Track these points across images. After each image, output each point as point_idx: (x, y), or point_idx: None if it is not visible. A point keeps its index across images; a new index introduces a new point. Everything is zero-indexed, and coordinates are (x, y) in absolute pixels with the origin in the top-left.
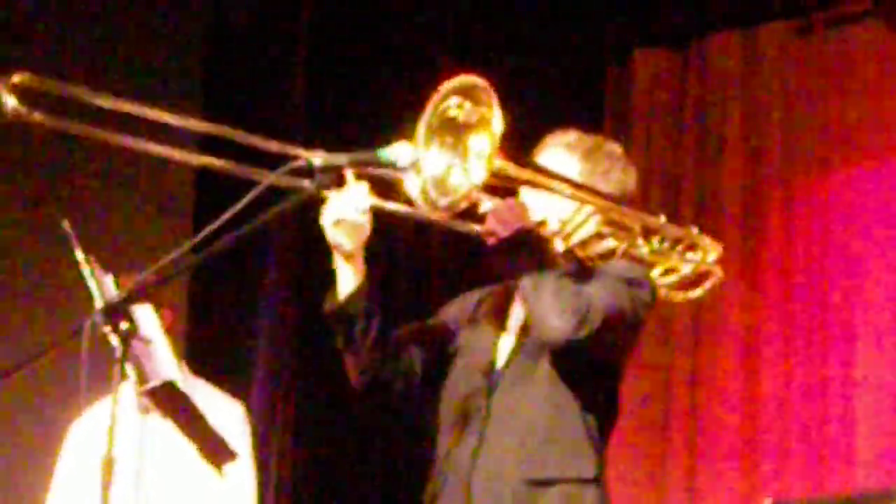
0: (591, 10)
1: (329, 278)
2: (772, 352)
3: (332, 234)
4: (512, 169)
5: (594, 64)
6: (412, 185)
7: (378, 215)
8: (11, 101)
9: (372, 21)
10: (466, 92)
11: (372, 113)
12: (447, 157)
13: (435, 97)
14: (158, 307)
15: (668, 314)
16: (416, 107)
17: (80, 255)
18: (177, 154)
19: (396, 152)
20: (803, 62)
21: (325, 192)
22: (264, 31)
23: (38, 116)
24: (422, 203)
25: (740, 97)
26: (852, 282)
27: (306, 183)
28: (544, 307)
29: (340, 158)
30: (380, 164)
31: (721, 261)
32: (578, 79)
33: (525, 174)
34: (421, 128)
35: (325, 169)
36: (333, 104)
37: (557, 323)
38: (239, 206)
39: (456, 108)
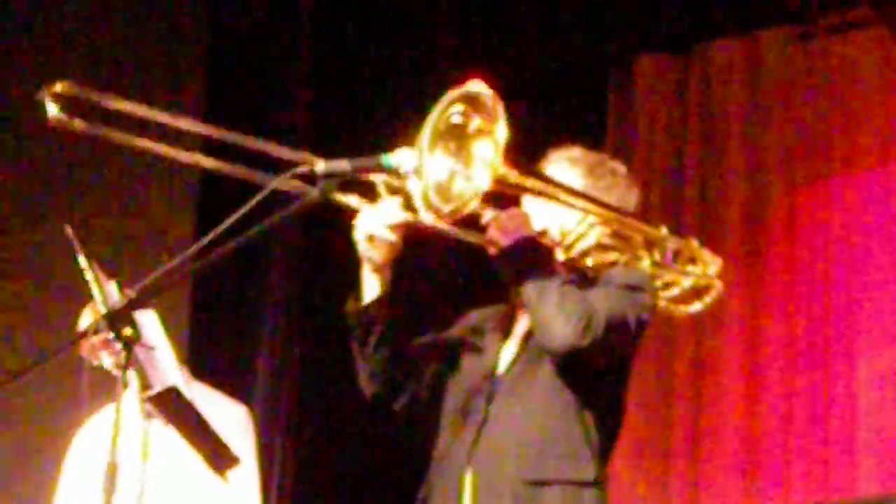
0: (594, 16)
1: (333, 280)
2: (774, 361)
3: (364, 249)
4: (515, 177)
5: (597, 70)
6: (415, 192)
7: None
8: (54, 109)
9: (375, 27)
10: (472, 100)
11: (376, 118)
12: (451, 164)
13: (440, 104)
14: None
15: (669, 320)
16: (420, 112)
17: (83, 261)
18: (203, 161)
19: (400, 158)
20: (805, 68)
21: (349, 203)
22: (268, 35)
23: (78, 124)
24: (425, 210)
25: (742, 103)
26: (855, 289)
27: (310, 188)
28: (548, 314)
29: (344, 164)
30: (383, 170)
31: (722, 272)
32: (581, 85)
33: (528, 182)
34: (425, 133)
35: (329, 175)
36: (338, 108)
37: (561, 330)
38: (242, 211)
39: (461, 115)
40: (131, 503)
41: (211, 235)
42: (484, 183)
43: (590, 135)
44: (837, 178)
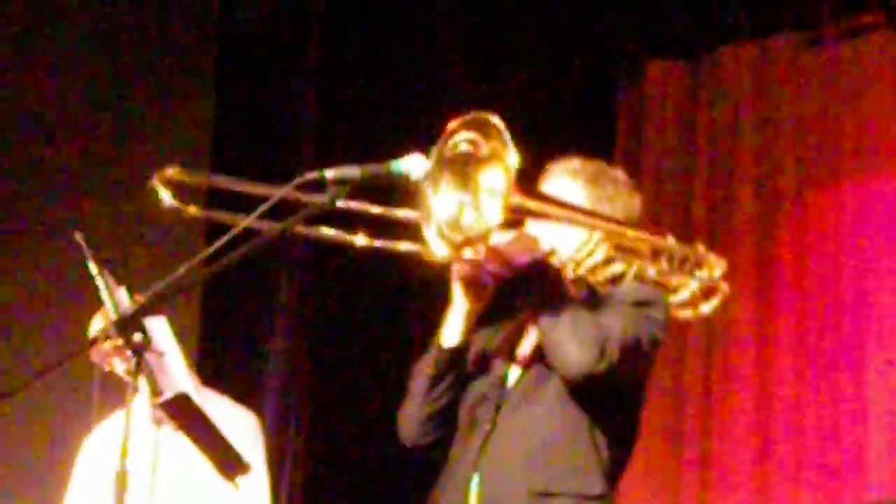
0: (603, 22)
1: (342, 286)
2: (785, 365)
3: (461, 292)
4: (525, 203)
5: (606, 77)
6: (429, 228)
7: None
8: (167, 197)
9: (381, 34)
10: (478, 127)
11: (381, 126)
12: (459, 194)
13: (445, 133)
14: None
15: (680, 328)
16: (427, 121)
17: (93, 267)
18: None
19: (409, 164)
20: (815, 73)
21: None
22: (275, 40)
23: (193, 210)
24: (436, 241)
25: (752, 108)
26: (865, 294)
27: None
28: (563, 341)
29: (353, 171)
30: (392, 177)
31: (728, 276)
32: (591, 91)
33: (535, 206)
34: (430, 166)
35: (338, 182)
36: (342, 115)
37: (577, 358)
38: (251, 217)
39: (467, 143)
40: None
41: (221, 242)
42: (496, 214)
43: (599, 141)
44: (847, 183)
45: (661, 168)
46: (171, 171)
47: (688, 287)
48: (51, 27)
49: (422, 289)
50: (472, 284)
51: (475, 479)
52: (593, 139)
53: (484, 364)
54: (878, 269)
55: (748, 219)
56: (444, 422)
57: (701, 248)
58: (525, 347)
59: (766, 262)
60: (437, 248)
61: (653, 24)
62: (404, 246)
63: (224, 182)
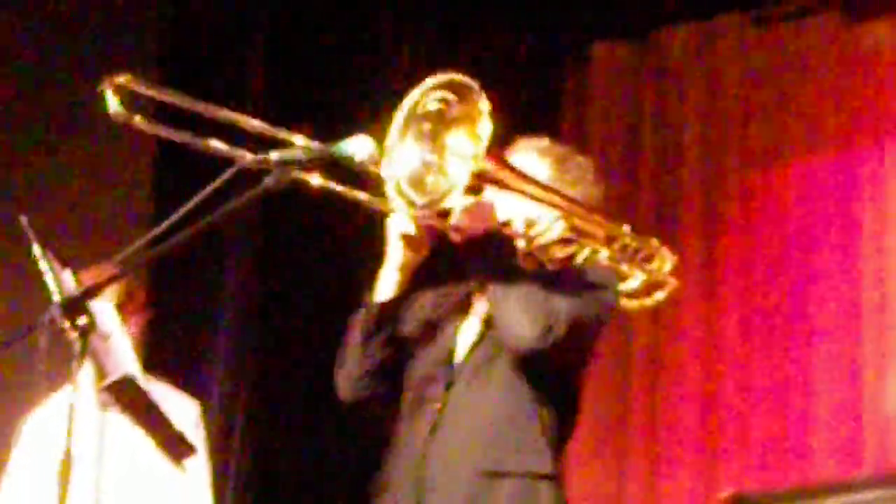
0: (549, 3)
1: (289, 270)
2: (731, 347)
3: (394, 247)
4: (492, 170)
5: (552, 57)
6: (388, 181)
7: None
8: (115, 104)
9: (332, 7)
10: (453, 88)
11: (334, 98)
12: (425, 153)
13: (419, 87)
14: (131, 313)
15: (627, 313)
16: (375, 95)
17: (37, 249)
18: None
19: (354, 146)
20: (760, 53)
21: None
22: (224, 16)
23: (139, 121)
24: (397, 200)
25: (698, 89)
26: (811, 275)
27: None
28: (511, 314)
29: (296, 153)
30: (337, 159)
31: (676, 267)
32: (536, 72)
33: (502, 175)
34: (399, 117)
35: (281, 163)
36: (293, 93)
37: (523, 331)
38: (197, 198)
39: (440, 102)
40: (87, 494)
41: (166, 224)
42: (463, 177)
43: (544, 122)
44: (793, 164)
45: (607, 149)
46: (122, 78)
47: (637, 277)
48: None
49: (374, 268)
50: (411, 238)
51: (427, 461)
52: (538, 121)
53: (429, 332)
54: (824, 245)
55: (694, 198)
56: (381, 378)
57: (655, 241)
58: (472, 317)
59: (711, 241)
60: (395, 205)
61: (598, 5)
62: (361, 195)
63: (176, 97)
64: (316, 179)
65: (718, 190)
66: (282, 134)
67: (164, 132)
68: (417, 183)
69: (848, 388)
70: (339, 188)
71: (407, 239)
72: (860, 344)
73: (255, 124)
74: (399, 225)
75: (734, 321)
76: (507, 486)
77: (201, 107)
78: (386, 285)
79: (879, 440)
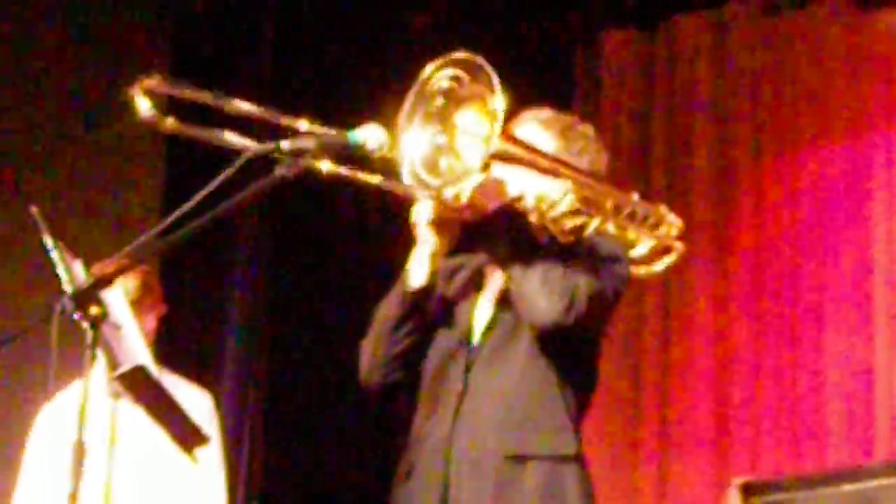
0: None
1: (300, 261)
2: (742, 333)
3: (424, 233)
4: (506, 148)
5: (563, 45)
6: (403, 165)
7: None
8: (146, 107)
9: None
10: (465, 66)
11: (341, 87)
12: (437, 135)
13: (430, 66)
14: (150, 306)
15: (639, 298)
16: (385, 81)
17: (48, 240)
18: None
19: (366, 134)
20: (771, 41)
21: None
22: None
23: (171, 123)
24: (411, 182)
25: (709, 77)
26: (822, 261)
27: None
28: (532, 290)
29: (308, 142)
30: (349, 147)
31: (684, 236)
32: (547, 60)
33: (514, 151)
34: (410, 97)
35: (293, 153)
36: (301, 82)
37: (546, 307)
38: (207, 189)
39: (450, 80)
40: (99, 484)
41: (176, 215)
42: (477, 158)
43: (555, 110)
44: (804, 151)
45: (619, 137)
46: (154, 81)
47: (645, 244)
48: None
49: (384, 263)
50: (440, 224)
51: (452, 447)
52: (549, 108)
53: (446, 312)
54: (836, 234)
55: (704, 188)
56: (406, 364)
57: (663, 207)
58: (488, 295)
59: (722, 231)
60: (413, 190)
61: None
62: (375, 179)
63: (205, 96)
64: (326, 166)
65: (729, 179)
66: (294, 123)
67: (195, 133)
68: (432, 166)
69: (860, 376)
70: (354, 173)
71: (437, 225)
72: (872, 330)
73: (278, 119)
74: (425, 212)
75: (746, 308)
76: (534, 474)
77: (225, 103)
78: (418, 272)
79: (891, 428)
